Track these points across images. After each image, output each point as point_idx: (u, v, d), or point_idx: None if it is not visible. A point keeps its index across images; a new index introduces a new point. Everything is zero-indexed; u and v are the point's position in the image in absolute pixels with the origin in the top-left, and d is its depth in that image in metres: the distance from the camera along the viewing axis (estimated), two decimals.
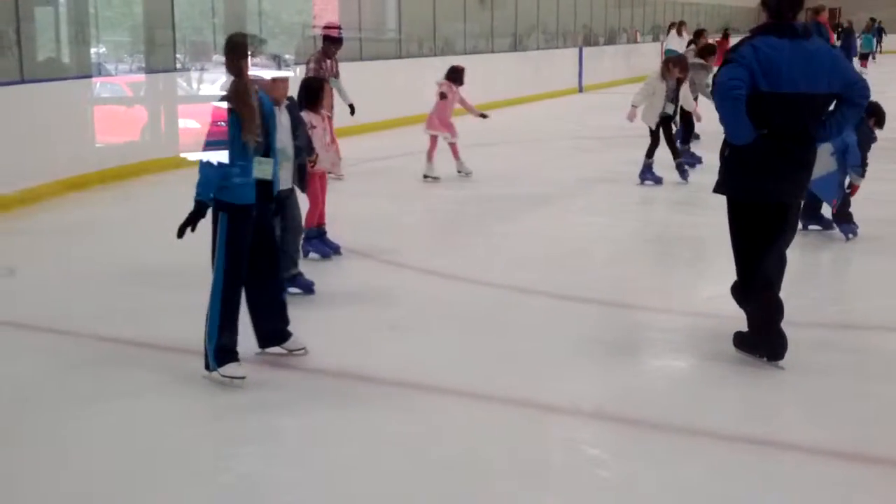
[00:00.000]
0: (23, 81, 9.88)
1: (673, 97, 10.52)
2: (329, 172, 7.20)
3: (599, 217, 9.45)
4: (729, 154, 4.92)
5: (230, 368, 4.63)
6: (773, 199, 4.84)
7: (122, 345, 5.45)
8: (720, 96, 4.74)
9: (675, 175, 10.68)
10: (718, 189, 5.02)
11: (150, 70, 12.56)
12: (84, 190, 10.16)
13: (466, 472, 3.91)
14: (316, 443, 4.21)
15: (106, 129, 11.16)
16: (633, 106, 10.64)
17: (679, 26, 20.46)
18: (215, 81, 13.61)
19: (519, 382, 4.84)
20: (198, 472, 3.95)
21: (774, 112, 4.70)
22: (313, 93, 6.89)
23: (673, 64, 10.62)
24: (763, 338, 4.98)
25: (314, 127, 6.74)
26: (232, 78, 4.64)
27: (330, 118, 7.28)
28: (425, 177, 10.70)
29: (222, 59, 4.74)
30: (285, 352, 5.00)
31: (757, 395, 4.74)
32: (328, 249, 7.18)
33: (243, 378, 4.64)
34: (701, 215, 8.88)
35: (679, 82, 10.57)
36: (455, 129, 10.78)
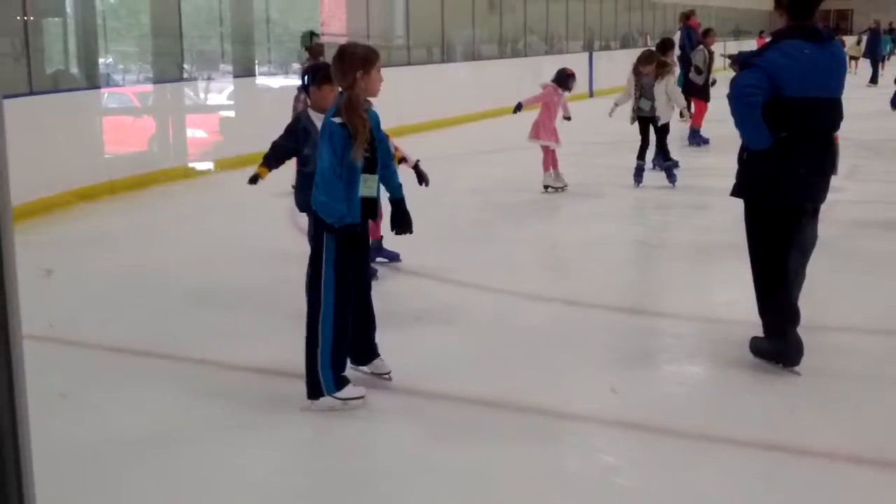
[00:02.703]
0: (32, 93, 9.90)
1: (649, 94, 10.35)
2: (547, 188, 6.62)
3: (610, 222, 9.39)
4: (748, 157, 4.86)
5: (348, 390, 4.51)
6: (792, 202, 4.79)
7: (139, 356, 5.42)
8: (736, 102, 4.70)
9: (686, 180, 10.62)
10: (736, 192, 4.96)
11: (157, 80, 12.57)
12: (93, 201, 10.16)
13: (479, 479, 3.87)
14: (330, 446, 4.17)
15: (114, 139, 11.18)
16: (613, 104, 10.65)
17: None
18: (222, 91, 13.64)
19: (532, 389, 4.79)
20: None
21: (798, 116, 4.65)
22: None
23: (640, 61, 10.53)
24: (779, 343, 4.92)
25: None
26: (343, 91, 4.44)
27: (387, 136, 6.85)
28: (546, 188, 10.31)
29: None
30: (368, 373, 4.86)
31: (773, 400, 4.68)
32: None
33: (362, 398, 4.53)
34: (713, 219, 8.82)
35: (657, 77, 10.36)
36: (559, 135, 10.30)
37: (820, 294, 6.10)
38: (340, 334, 4.49)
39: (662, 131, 10.64)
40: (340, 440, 4.28)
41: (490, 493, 3.78)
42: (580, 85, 23.52)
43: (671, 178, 10.67)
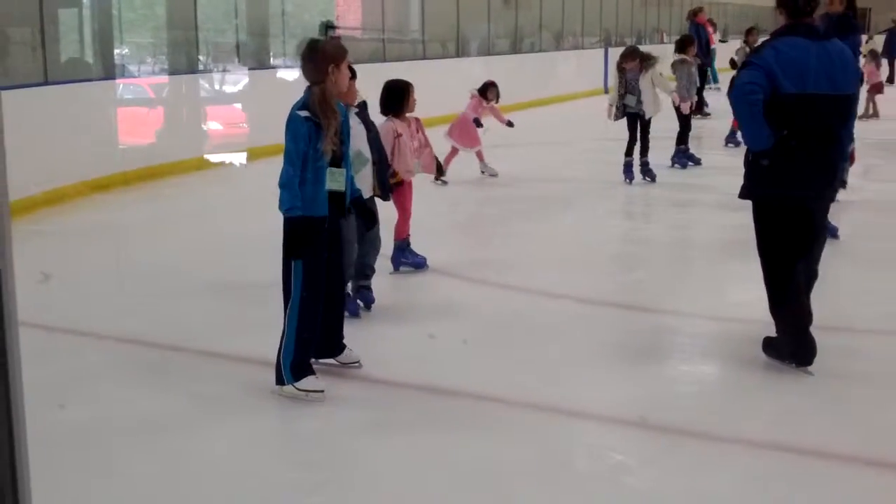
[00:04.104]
0: (47, 83, 9.91)
1: (634, 90, 10.25)
2: (437, 179, 6.66)
3: (623, 219, 9.36)
4: (753, 158, 4.85)
5: (308, 382, 4.51)
6: (798, 202, 4.77)
7: (149, 347, 5.42)
8: (737, 100, 4.72)
9: (707, 179, 10.55)
10: (743, 194, 4.94)
11: (172, 71, 12.57)
12: (107, 191, 10.17)
13: (490, 477, 3.85)
14: (342, 441, 4.16)
15: (129, 130, 11.18)
16: (609, 104, 10.64)
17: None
18: (237, 83, 13.64)
19: (543, 387, 4.76)
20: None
21: (798, 113, 4.64)
22: (398, 97, 6.49)
23: (623, 57, 10.48)
24: (791, 343, 4.88)
25: (399, 135, 6.39)
26: (313, 85, 4.45)
27: (418, 119, 6.76)
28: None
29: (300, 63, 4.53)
30: (338, 364, 4.88)
31: (786, 401, 4.64)
32: (420, 260, 6.85)
33: (322, 392, 4.52)
34: (730, 218, 8.75)
35: (641, 71, 10.26)
36: (478, 138, 10.67)
37: (834, 294, 6.06)
38: (305, 325, 4.49)
39: (648, 126, 10.52)
40: (343, 433, 4.27)
41: (499, 489, 3.76)
42: (595, 81, 23.66)
43: (649, 174, 10.58)
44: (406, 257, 6.82)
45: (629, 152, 10.49)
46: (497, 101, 10.94)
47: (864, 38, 31.64)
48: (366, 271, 5.95)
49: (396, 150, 6.40)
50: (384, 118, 6.45)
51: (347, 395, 4.62)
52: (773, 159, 4.71)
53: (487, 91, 10.80)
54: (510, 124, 11.13)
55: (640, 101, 10.27)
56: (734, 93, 4.73)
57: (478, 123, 10.74)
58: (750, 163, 4.88)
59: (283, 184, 4.37)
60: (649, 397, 4.66)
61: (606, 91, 23.84)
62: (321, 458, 4.12)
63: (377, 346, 5.34)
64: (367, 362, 4.93)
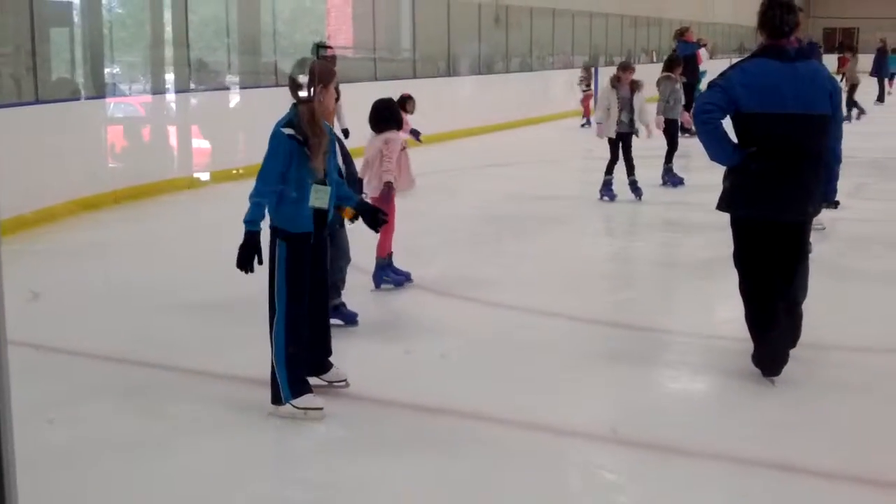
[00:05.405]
0: (38, 102, 9.90)
1: (629, 108, 10.33)
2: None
3: (614, 238, 9.36)
4: (726, 172, 5.00)
5: (307, 399, 4.51)
6: (765, 215, 4.87)
7: (138, 366, 5.40)
8: (695, 120, 4.93)
9: (694, 197, 10.59)
10: (720, 206, 5.06)
11: (163, 90, 12.57)
12: (98, 210, 10.16)
13: (479, 495, 3.84)
14: (332, 460, 4.15)
15: (119, 149, 11.17)
16: (597, 123, 10.66)
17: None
18: (228, 102, 13.64)
19: (534, 405, 4.75)
20: None
21: (760, 131, 4.76)
22: (396, 112, 6.75)
23: (621, 71, 10.54)
24: (759, 352, 4.97)
25: (404, 148, 6.55)
26: (300, 104, 4.49)
27: None
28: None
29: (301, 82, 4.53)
30: (325, 383, 4.85)
31: (775, 417, 4.65)
32: (401, 278, 6.87)
33: (321, 409, 4.51)
34: (716, 236, 8.77)
35: (633, 91, 10.36)
36: None
37: (823, 312, 6.07)
38: (293, 341, 4.49)
39: (629, 146, 10.55)
40: (332, 452, 4.27)
41: None
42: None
43: (636, 192, 10.64)
44: (388, 274, 6.82)
45: (610, 171, 10.55)
46: (412, 113, 11.14)
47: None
48: (339, 285, 5.97)
49: (403, 163, 6.49)
50: (377, 133, 6.55)
51: (336, 414, 4.59)
52: (745, 178, 4.85)
53: (406, 103, 10.94)
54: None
55: (632, 120, 10.34)
56: (693, 113, 4.97)
57: (416, 135, 10.93)
58: (724, 176, 5.03)
59: (252, 197, 4.43)
60: (639, 415, 4.67)
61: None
62: (311, 476, 4.11)
63: (364, 363, 5.33)
64: (354, 380, 4.92)
